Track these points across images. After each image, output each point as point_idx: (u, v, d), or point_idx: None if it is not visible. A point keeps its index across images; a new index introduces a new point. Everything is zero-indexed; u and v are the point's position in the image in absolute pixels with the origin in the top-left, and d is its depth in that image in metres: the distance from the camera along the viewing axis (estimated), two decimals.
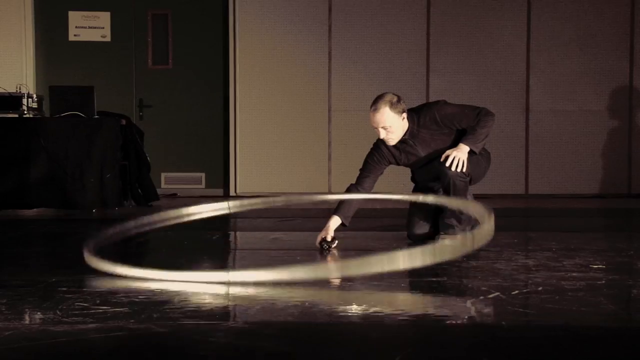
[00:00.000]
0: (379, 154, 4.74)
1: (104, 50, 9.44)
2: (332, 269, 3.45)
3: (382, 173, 4.82)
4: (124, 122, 7.59)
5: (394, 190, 8.54)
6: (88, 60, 9.41)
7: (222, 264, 4.36)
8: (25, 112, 7.33)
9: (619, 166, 9.20)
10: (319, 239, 4.56)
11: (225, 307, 3.05)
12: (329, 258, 4.32)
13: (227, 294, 3.26)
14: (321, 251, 4.49)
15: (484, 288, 3.31)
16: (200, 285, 3.37)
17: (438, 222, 4.75)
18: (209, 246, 4.86)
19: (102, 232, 4.21)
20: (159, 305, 2.96)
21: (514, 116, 9.16)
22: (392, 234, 5.24)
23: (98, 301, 3.03)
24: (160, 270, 3.55)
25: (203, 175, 9.50)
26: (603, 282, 3.44)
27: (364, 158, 4.80)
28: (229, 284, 3.37)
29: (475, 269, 3.74)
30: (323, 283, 3.42)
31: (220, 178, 9.49)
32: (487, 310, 2.88)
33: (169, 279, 3.46)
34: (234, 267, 4.15)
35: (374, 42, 9.21)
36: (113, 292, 3.20)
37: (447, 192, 4.61)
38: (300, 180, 9.27)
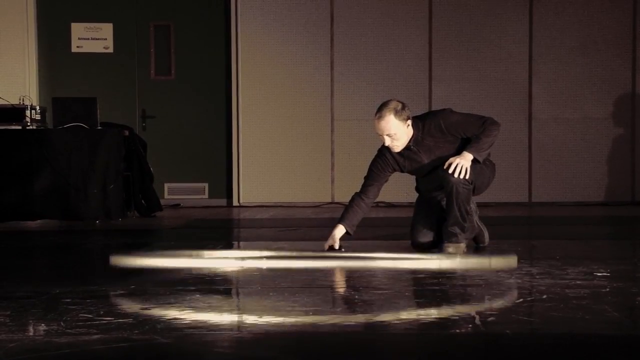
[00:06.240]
0: (382, 161, 4.75)
1: (107, 61, 9.46)
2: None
3: (386, 181, 4.82)
4: (127, 133, 7.60)
5: (397, 197, 8.54)
6: (91, 71, 9.43)
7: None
8: (29, 123, 7.34)
9: (622, 173, 9.19)
10: (326, 247, 4.57)
11: (230, 317, 3.05)
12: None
13: (231, 303, 3.26)
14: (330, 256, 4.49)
15: (488, 296, 3.30)
16: (205, 294, 3.37)
17: (442, 231, 4.74)
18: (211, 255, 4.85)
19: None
20: (162, 315, 2.96)
21: (516, 124, 9.16)
22: (396, 243, 5.24)
23: (102, 312, 3.03)
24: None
25: (206, 185, 9.51)
26: (607, 289, 3.44)
27: (367, 167, 4.81)
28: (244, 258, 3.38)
29: (479, 278, 3.74)
30: (327, 292, 3.42)
31: (223, 188, 9.49)
32: (492, 318, 2.88)
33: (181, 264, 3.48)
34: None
35: (376, 51, 9.22)
36: (117, 303, 3.20)
37: (449, 199, 4.61)
38: (303, 189, 9.27)
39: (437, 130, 4.68)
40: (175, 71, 9.48)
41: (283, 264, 3.41)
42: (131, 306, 3.14)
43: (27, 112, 7.36)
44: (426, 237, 4.82)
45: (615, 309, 3.06)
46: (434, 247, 4.73)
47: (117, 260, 3.74)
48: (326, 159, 9.31)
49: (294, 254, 4.53)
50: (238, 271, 4.25)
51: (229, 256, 3.46)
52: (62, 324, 2.84)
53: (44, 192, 7.03)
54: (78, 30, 9.47)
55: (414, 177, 5.01)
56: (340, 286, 3.77)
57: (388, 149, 4.68)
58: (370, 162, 4.82)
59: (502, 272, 3.85)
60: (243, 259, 3.37)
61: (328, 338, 2.70)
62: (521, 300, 3.25)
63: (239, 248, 5.29)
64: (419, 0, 9.22)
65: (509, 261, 3.71)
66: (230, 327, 2.90)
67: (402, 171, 4.85)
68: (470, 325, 2.78)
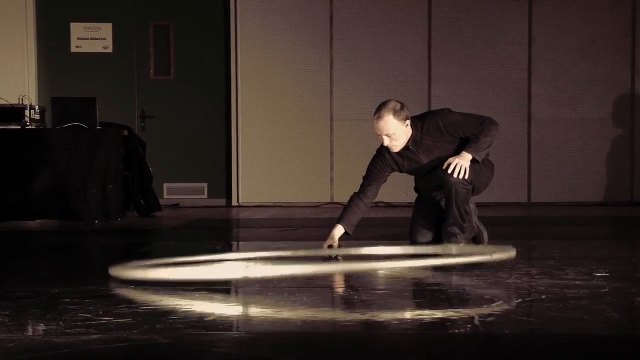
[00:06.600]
0: (381, 161, 4.75)
1: (106, 61, 9.46)
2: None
3: (385, 181, 4.83)
4: (126, 133, 7.60)
5: (396, 198, 8.55)
6: (90, 71, 9.43)
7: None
8: (28, 123, 7.34)
9: (621, 174, 9.20)
10: (325, 247, 4.57)
11: (229, 317, 3.05)
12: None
13: (231, 303, 3.26)
14: (329, 260, 4.49)
15: (487, 297, 3.30)
16: (205, 294, 3.36)
17: (441, 231, 4.75)
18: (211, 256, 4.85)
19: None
20: (162, 315, 2.96)
21: (516, 124, 9.16)
22: (395, 243, 5.23)
23: (101, 312, 3.03)
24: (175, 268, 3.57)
25: (205, 185, 9.51)
26: (606, 290, 3.44)
27: (366, 167, 4.81)
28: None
29: (478, 278, 3.74)
30: (326, 292, 3.42)
31: (223, 188, 9.49)
32: (491, 319, 2.88)
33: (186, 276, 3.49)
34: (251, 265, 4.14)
35: (376, 51, 9.22)
36: (116, 303, 3.20)
37: (448, 199, 4.61)
38: (302, 190, 9.27)
39: (436, 130, 4.68)
40: (174, 71, 9.48)
41: (285, 270, 3.43)
42: (130, 306, 3.14)
43: (27, 112, 7.36)
44: (425, 237, 4.83)
45: (615, 309, 3.06)
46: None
47: (117, 273, 3.75)
48: (325, 159, 9.31)
49: (293, 254, 4.54)
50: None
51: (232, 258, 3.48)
52: (61, 324, 2.84)
53: (43, 192, 7.03)
54: (77, 30, 9.47)
55: (413, 177, 5.02)
56: (340, 286, 3.77)
57: (387, 149, 4.69)
58: (369, 162, 4.82)
59: (502, 272, 3.85)
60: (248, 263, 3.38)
61: (328, 338, 2.70)
62: (520, 300, 3.25)
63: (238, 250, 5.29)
64: (418, 1, 9.22)
65: (509, 253, 3.71)
66: (230, 327, 2.90)
67: (401, 171, 4.85)
68: (470, 326, 2.78)
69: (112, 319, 2.91)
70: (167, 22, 9.49)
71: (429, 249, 4.55)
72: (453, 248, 4.53)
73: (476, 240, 4.94)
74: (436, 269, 4.01)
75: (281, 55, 9.26)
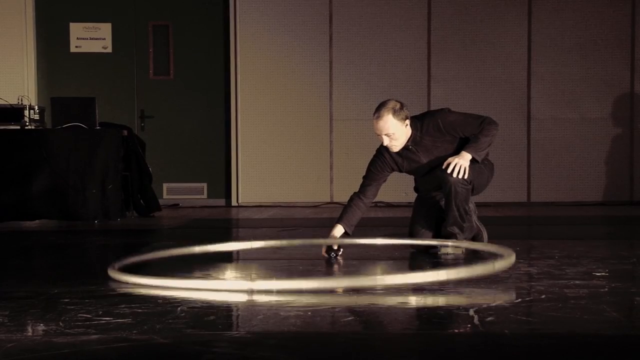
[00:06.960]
0: (381, 161, 4.75)
1: (105, 61, 9.46)
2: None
3: (385, 181, 4.82)
4: (125, 133, 7.60)
5: (396, 197, 8.56)
6: (89, 71, 9.43)
7: (229, 275, 4.36)
8: (27, 123, 7.34)
9: (620, 173, 9.20)
10: (325, 247, 4.57)
11: (228, 317, 3.05)
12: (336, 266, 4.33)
13: (230, 302, 3.26)
14: (328, 260, 4.49)
15: (487, 296, 3.30)
16: (204, 294, 3.36)
17: (440, 230, 4.75)
18: (211, 256, 4.85)
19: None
20: (161, 315, 2.96)
21: (515, 124, 9.16)
22: (394, 243, 5.22)
23: (100, 312, 3.03)
24: (181, 280, 3.57)
25: (205, 185, 9.51)
26: (606, 289, 3.44)
27: (366, 167, 4.81)
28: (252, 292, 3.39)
29: (478, 277, 3.74)
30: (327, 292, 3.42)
31: (222, 188, 9.50)
32: (490, 318, 2.88)
33: (193, 287, 3.49)
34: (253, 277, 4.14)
35: (375, 51, 9.23)
36: (116, 303, 3.20)
37: (448, 199, 4.61)
38: (302, 189, 9.28)
39: (436, 129, 4.68)
40: (173, 71, 9.48)
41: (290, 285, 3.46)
42: (130, 306, 3.14)
43: (26, 112, 7.36)
44: (425, 237, 4.82)
45: (614, 308, 3.06)
46: (433, 246, 4.73)
47: (115, 276, 3.76)
48: (325, 158, 9.31)
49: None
50: (237, 271, 4.24)
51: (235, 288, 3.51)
52: (60, 324, 2.84)
53: (42, 192, 7.03)
54: (77, 30, 9.47)
55: (412, 177, 5.02)
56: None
57: (386, 148, 4.68)
58: (369, 161, 4.82)
59: (501, 271, 3.85)
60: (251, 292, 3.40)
61: (328, 338, 2.70)
62: (520, 300, 3.25)
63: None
64: (418, 1, 9.22)
65: (509, 260, 3.72)
66: (230, 327, 2.90)
67: (400, 171, 4.85)
68: (469, 325, 2.78)
69: (111, 319, 2.91)
70: (167, 21, 9.49)
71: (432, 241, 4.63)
72: (449, 248, 4.56)
73: (475, 239, 4.94)
74: (436, 267, 4.01)
75: (280, 54, 9.27)
